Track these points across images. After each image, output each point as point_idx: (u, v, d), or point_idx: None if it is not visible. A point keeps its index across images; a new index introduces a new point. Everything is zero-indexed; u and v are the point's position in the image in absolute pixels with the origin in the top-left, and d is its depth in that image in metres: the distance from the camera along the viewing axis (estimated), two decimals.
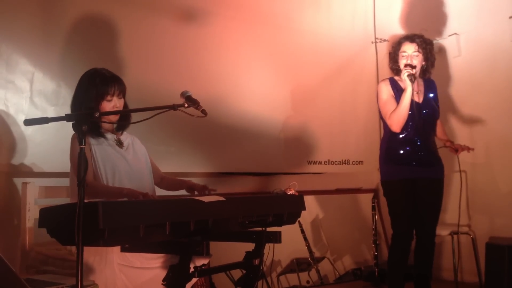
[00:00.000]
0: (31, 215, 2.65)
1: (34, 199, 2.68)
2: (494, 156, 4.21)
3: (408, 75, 3.27)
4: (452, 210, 4.24)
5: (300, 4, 4.47)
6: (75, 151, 2.36)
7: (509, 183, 4.10)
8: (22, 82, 3.07)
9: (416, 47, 3.38)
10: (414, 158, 3.37)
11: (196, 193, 2.57)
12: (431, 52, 3.44)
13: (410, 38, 3.43)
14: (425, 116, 3.40)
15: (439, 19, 4.57)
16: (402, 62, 3.40)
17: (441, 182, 3.46)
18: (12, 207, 2.94)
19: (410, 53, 3.38)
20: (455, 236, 4.16)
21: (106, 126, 2.60)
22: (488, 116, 4.23)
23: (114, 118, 2.58)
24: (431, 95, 3.49)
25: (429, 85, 3.51)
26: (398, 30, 4.75)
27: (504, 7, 4.14)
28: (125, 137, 2.67)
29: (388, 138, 3.47)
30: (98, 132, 2.53)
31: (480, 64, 4.31)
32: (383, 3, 4.99)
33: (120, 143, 2.60)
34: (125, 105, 2.61)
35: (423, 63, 3.42)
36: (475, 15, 4.36)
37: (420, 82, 3.47)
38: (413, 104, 3.32)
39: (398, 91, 3.42)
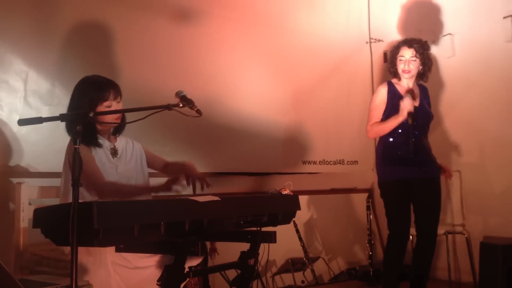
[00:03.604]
0: (25, 215, 2.63)
1: (28, 199, 2.67)
2: (488, 156, 4.22)
3: (409, 113, 3.28)
4: (447, 210, 4.27)
5: (295, 4, 4.47)
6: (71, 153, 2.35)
7: (503, 183, 4.11)
8: (16, 82, 3.06)
9: (414, 52, 3.41)
10: (410, 159, 3.39)
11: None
12: (428, 57, 3.48)
13: (408, 43, 3.45)
14: (421, 118, 3.42)
15: (433, 19, 4.58)
16: (400, 67, 3.46)
17: (437, 181, 3.47)
18: (6, 208, 2.93)
19: (408, 58, 3.42)
20: (449, 236, 4.19)
21: (103, 131, 2.56)
22: (483, 117, 4.24)
23: (112, 119, 2.50)
24: (425, 100, 3.53)
25: (423, 91, 3.56)
26: (393, 30, 4.77)
27: (498, 7, 4.15)
28: (120, 141, 2.64)
29: (385, 140, 3.49)
30: (92, 141, 2.48)
31: (474, 64, 4.32)
32: (378, 3, 5.00)
33: (114, 152, 2.57)
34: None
35: (420, 67, 3.45)
36: (469, 15, 4.37)
37: (415, 85, 3.51)
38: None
39: (393, 96, 3.44)
